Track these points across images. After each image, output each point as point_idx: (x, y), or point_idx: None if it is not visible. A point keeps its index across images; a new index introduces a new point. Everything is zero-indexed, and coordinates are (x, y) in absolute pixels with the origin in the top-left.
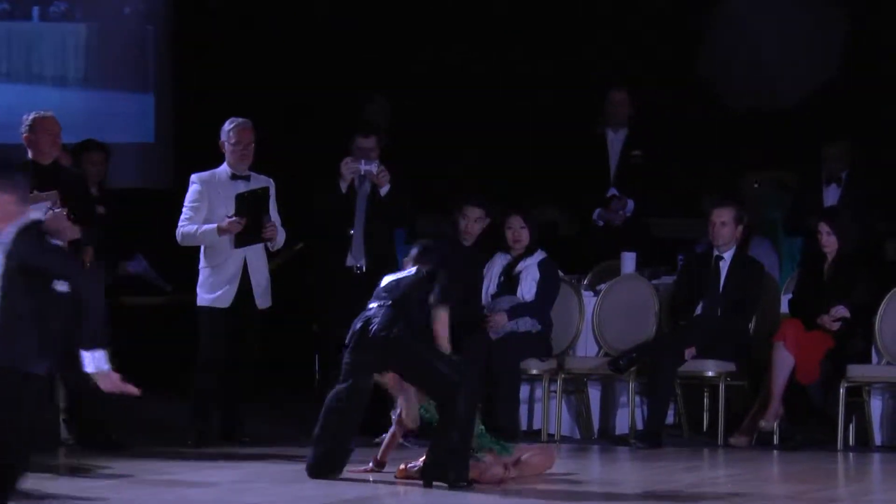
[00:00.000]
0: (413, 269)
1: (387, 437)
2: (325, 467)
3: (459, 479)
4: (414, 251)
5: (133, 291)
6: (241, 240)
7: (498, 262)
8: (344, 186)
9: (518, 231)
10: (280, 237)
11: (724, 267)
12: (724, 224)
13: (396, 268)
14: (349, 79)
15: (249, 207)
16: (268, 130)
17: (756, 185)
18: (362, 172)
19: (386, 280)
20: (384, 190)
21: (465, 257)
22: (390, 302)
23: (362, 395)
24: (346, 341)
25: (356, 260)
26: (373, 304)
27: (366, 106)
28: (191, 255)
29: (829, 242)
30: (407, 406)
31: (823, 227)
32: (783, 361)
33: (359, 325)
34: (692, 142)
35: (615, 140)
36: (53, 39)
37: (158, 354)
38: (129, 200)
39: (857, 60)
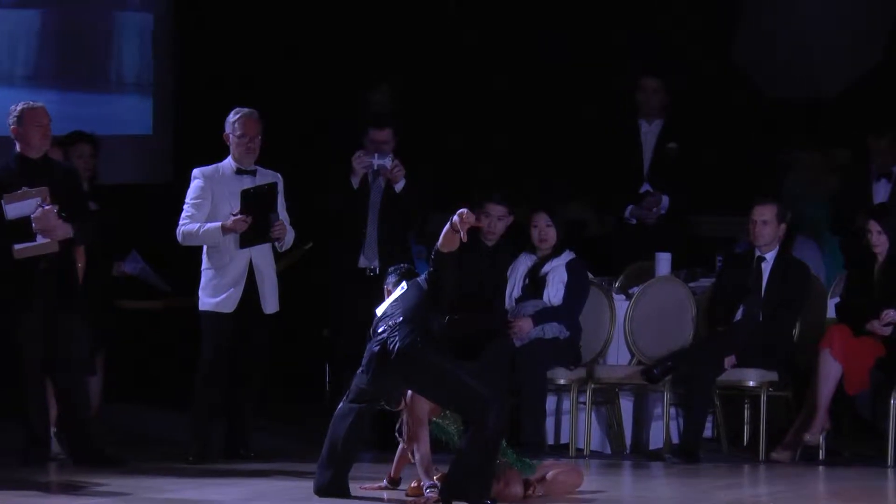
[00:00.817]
0: (405, 285)
1: (397, 453)
2: (334, 491)
3: (482, 499)
4: (391, 278)
5: (130, 294)
6: (247, 239)
7: (523, 264)
8: (356, 182)
9: (544, 230)
10: (289, 237)
11: (766, 268)
12: (766, 223)
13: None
14: (358, 66)
15: (256, 204)
16: (274, 122)
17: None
18: (375, 167)
19: (382, 308)
20: (399, 186)
21: (486, 258)
22: (401, 318)
23: (369, 417)
24: (363, 366)
25: (369, 261)
26: (381, 328)
27: (371, 94)
28: (192, 255)
29: (880, 242)
30: (411, 422)
31: (874, 226)
32: (829, 370)
33: (376, 349)
34: (732, 133)
35: (649, 132)
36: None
37: (157, 362)
38: (125, 196)
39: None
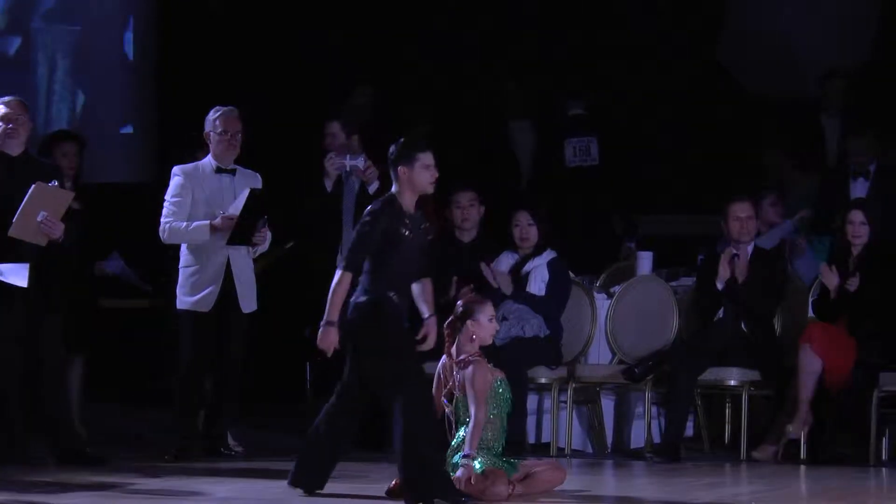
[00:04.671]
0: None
1: None
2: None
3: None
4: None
5: (110, 293)
6: (235, 238)
7: (504, 262)
8: (329, 184)
9: (526, 228)
10: (266, 241)
11: (742, 265)
12: (748, 218)
13: None
14: (339, 66)
15: (255, 206)
16: (254, 121)
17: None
18: (348, 168)
19: None
20: (373, 187)
21: (465, 255)
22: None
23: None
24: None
25: None
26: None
27: (350, 96)
28: (172, 254)
29: (861, 232)
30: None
31: (857, 216)
32: (810, 365)
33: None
34: (714, 132)
35: None
36: None
37: (138, 361)
38: (105, 195)
39: (886, 47)
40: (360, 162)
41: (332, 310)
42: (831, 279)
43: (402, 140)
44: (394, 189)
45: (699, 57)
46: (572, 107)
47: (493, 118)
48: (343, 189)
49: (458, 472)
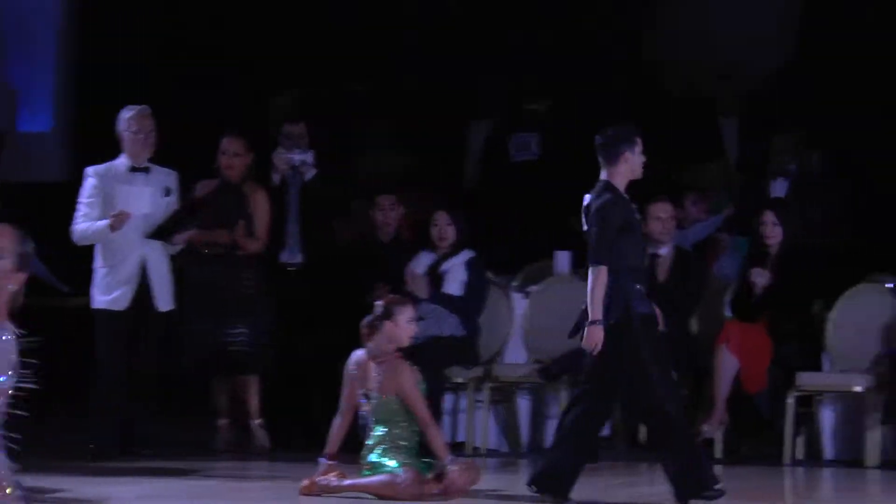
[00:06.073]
0: None
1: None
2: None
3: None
4: None
5: (28, 293)
6: (157, 233)
7: (422, 262)
8: (277, 178)
9: (444, 228)
10: (183, 242)
11: (663, 264)
12: (668, 219)
13: (336, 263)
14: (261, 69)
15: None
16: (172, 120)
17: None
18: (296, 163)
19: None
20: (309, 175)
21: (384, 254)
22: None
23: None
24: None
25: (293, 256)
26: None
27: (273, 100)
28: (88, 254)
29: (775, 234)
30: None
31: (769, 217)
32: (727, 365)
33: None
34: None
35: None
36: None
37: (54, 361)
38: (25, 194)
39: (806, 49)
40: (309, 157)
41: (595, 308)
42: (762, 277)
43: (615, 126)
44: (606, 176)
45: (632, 57)
46: (522, 103)
47: (454, 118)
48: (287, 183)
49: (399, 475)
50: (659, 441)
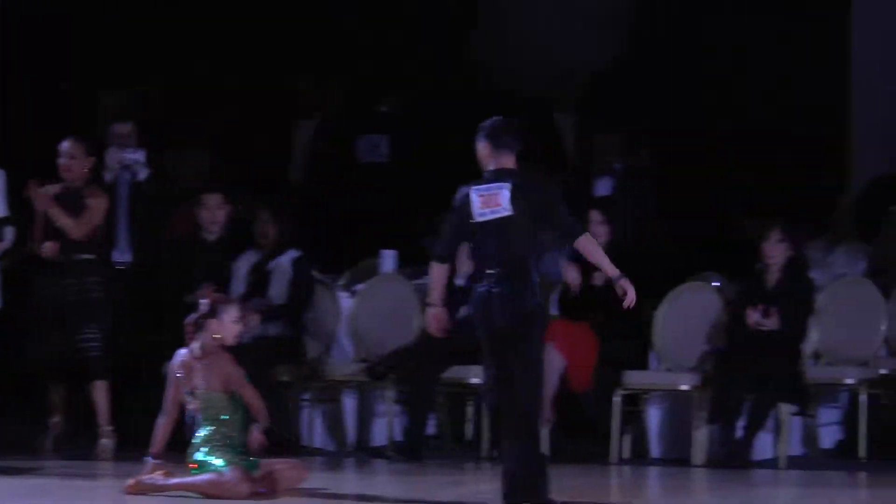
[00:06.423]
0: None
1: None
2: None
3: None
4: None
5: None
6: None
7: (248, 260)
8: (109, 177)
9: (264, 225)
10: (8, 237)
11: None
12: None
13: (164, 264)
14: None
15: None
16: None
17: None
18: (128, 162)
19: None
20: (143, 174)
21: (210, 253)
22: None
23: None
24: None
25: (122, 255)
26: None
27: (103, 98)
28: None
29: (601, 232)
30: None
31: (595, 216)
32: (553, 363)
33: None
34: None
35: None
36: None
37: None
38: None
39: (634, 48)
40: (140, 156)
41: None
42: (573, 276)
43: (504, 120)
44: (514, 165)
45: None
46: (371, 104)
47: (282, 117)
48: (116, 182)
49: (225, 474)
50: (513, 437)
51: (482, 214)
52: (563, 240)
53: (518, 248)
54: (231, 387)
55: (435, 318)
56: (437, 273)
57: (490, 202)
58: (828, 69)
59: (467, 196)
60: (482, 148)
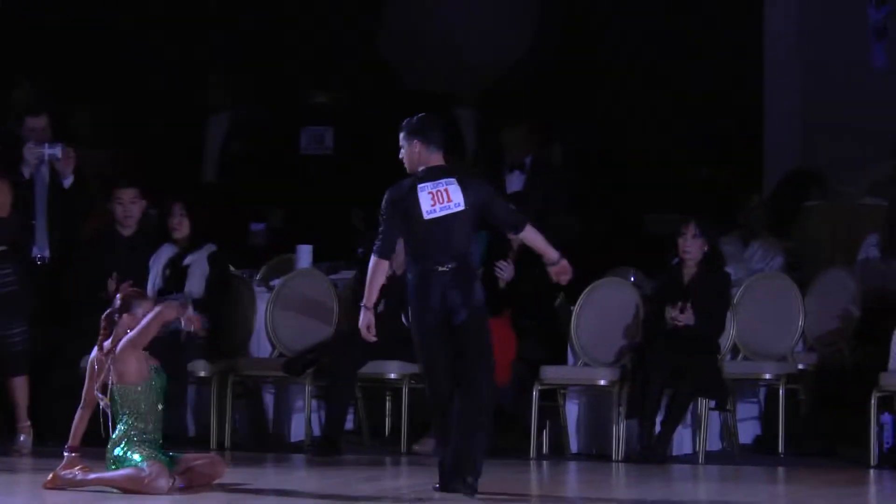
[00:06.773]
0: None
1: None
2: None
3: None
4: None
5: None
6: None
7: (164, 255)
8: (27, 172)
9: (178, 219)
10: None
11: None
12: None
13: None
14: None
15: None
16: None
17: None
18: (46, 157)
19: None
20: (67, 182)
21: (126, 248)
22: None
23: None
24: None
25: (41, 250)
26: None
27: (12, 91)
28: None
29: None
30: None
31: None
32: None
33: None
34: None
35: None
36: None
37: None
38: None
39: (546, 41)
40: (58, 151)
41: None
42: (509, 272)
43: (430, 116)
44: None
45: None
46: (311, 96)
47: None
48: (33, 177)
49: (144, 469)
50: (468, 420)
51: (432, 212)
52: (507, 231)
53: (464, 242)
54: (144, 376)
55: (368, 323)
56: (377, 270)
57: (440, 198)
58: (740, 63)
59: (410, 192)
60: (413, 146)
